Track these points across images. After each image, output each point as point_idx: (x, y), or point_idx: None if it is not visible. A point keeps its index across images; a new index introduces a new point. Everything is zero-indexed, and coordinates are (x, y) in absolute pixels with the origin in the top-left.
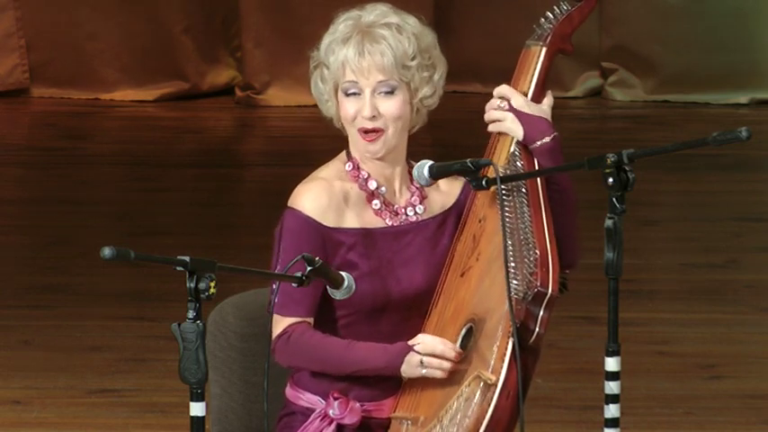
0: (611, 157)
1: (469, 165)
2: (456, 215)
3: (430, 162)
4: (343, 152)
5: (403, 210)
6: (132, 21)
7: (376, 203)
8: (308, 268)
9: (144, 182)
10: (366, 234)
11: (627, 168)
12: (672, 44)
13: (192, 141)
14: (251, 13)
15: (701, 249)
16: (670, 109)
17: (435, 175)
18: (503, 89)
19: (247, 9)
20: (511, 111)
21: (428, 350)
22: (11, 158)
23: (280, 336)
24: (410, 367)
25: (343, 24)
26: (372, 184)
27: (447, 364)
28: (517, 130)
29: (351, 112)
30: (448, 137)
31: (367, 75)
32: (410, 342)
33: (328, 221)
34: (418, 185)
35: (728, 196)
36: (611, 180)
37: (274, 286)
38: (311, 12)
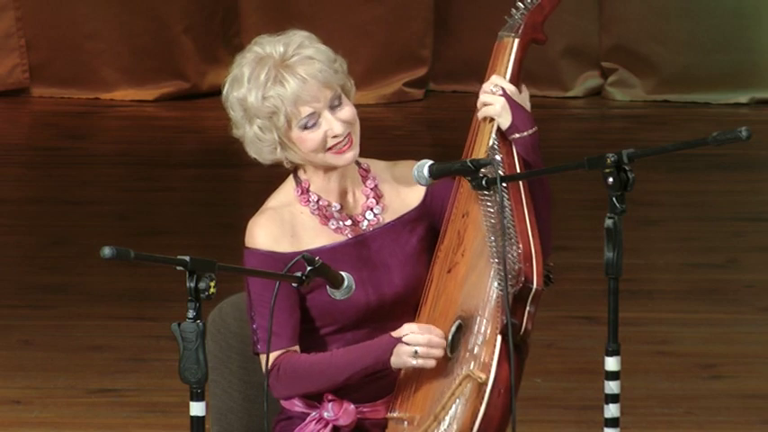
0: (610, 157)
1: (469, 165)
2: (425, 214)
3: (430, 162)
4: (290, 176)
5: (362, 216)
6: (132, 21)
7: (332, 223)
8: (309, 268)
9: (144, 182)
10: (331, 250)
11: (627, 168)
12: (672, 44)
13: (192, 141)
14: (251, 13)
15: (701, 249)
16: (670, 109)
17: (435, 174)
18: (495, 78)
19: (247, 9)
20: (504, 96)
21: (419, 341)
22: (11, 158)
23: (270, 372)
24: (400, 358)
25: (258, 70)
26: (324, 204)
27: (439, 352)
28: (506, 117)
29: (318, 142)
30: (448, 137)
31: (320, 98)
32: (395, 334)
33: (285, 247)
34: (372, 186)
35: (728, 196)
36: (611, 180)
37: (254, 326)
38: (311, 12)
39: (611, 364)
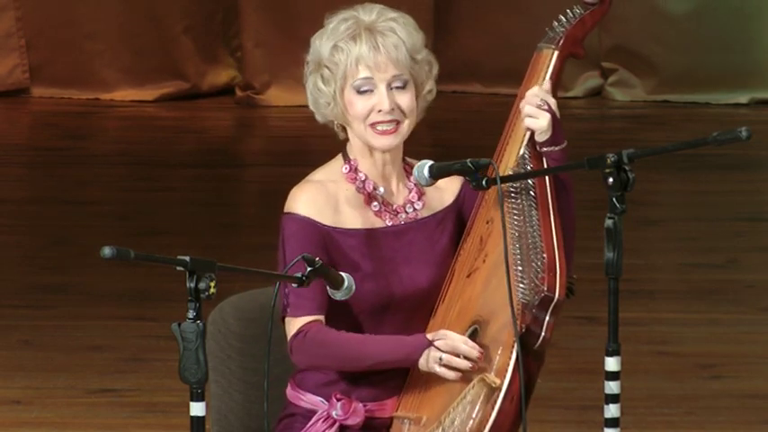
0: (611, 157)
1: (469, 165)
2: (456, 214)
3: (430, 162)
4: (339, 155)
5: (402, 208)
6: (132, 21)
7: (375, 205)
8: (308, 269)
9: (144, 182)
10: (367, 234)
11: (627, 168)
12: (672, 44)
13: (192, 141)
14: (251, 12)
15: (701, 249)
16: (670, 109)
17: (435, 174)
18: (540, 91)
19: (247, 8)
20: (549, 112)
21: (450, 348)
22: (11, 158)
23: (296, 335)
24: (427, 362)
25: (343, 25)
26: (370, 185)
27: (466, 364)
28: (548, 132)
29: (364, 110)
30: (448, 137)
31: (383, 69)
32: (430, 336)
33: (326, 220)
34: (416, 182)
35: (728, 196)
36: (611, 180)
37: (286, 290)
38: (311, 11)
39: (612, 364)
